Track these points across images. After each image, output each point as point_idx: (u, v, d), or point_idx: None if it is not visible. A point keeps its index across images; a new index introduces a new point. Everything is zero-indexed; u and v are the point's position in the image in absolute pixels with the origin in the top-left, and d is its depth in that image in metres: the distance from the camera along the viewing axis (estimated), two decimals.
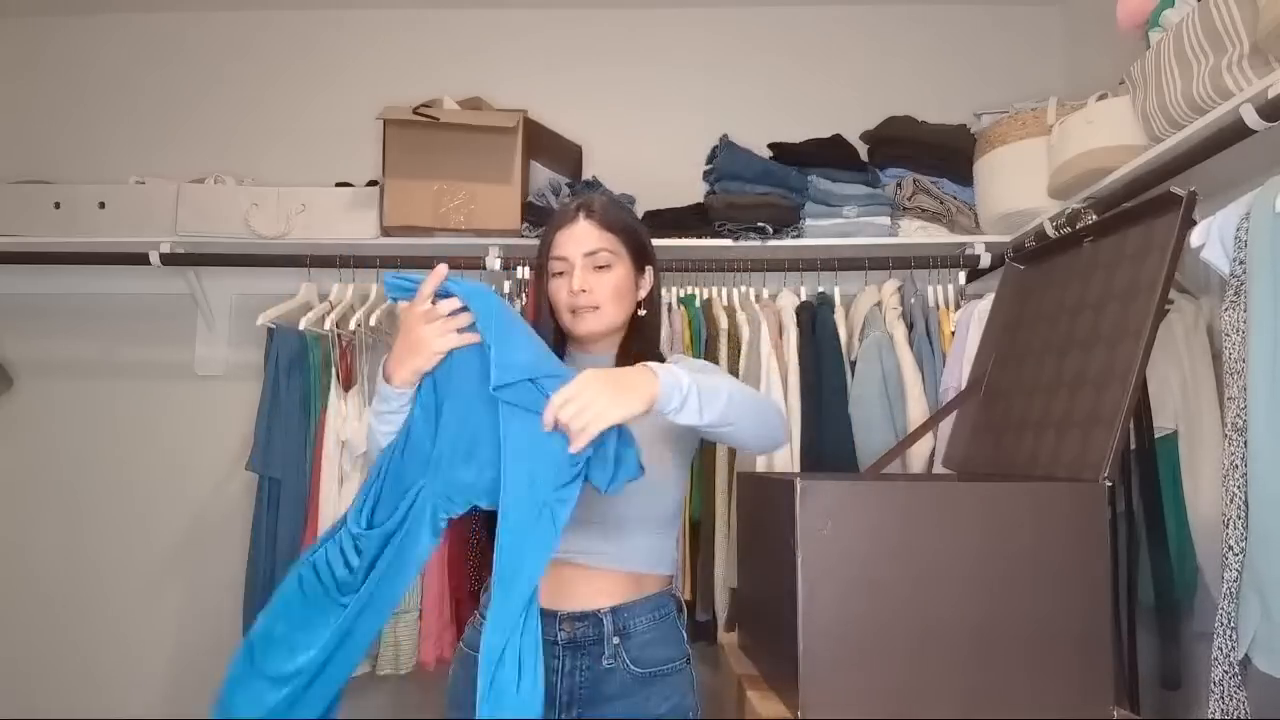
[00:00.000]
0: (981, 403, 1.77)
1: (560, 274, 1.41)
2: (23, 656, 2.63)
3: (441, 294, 1.18)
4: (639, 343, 1.45)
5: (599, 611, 1.33)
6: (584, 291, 1.38)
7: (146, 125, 2.78)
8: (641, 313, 1.47)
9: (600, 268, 1.39)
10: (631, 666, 1.32)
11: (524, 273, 2.39)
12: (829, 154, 2.46)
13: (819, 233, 2.38)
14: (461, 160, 2.33)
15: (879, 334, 2.24)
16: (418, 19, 2.81)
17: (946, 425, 1.90)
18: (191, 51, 2.82)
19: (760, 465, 2.19)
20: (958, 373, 2.02)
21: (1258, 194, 1.27)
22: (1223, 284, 1.31)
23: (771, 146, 2.49)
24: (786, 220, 2.39)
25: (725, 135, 2.43)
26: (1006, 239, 2.30)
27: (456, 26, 2.80)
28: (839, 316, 2.33)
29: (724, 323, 2.34)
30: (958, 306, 2.31)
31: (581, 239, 1.39)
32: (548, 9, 2.79)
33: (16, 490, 2.69)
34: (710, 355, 2.31)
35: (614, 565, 1.34)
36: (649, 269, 1.48)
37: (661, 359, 1.34)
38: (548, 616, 1.29)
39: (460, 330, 1.18)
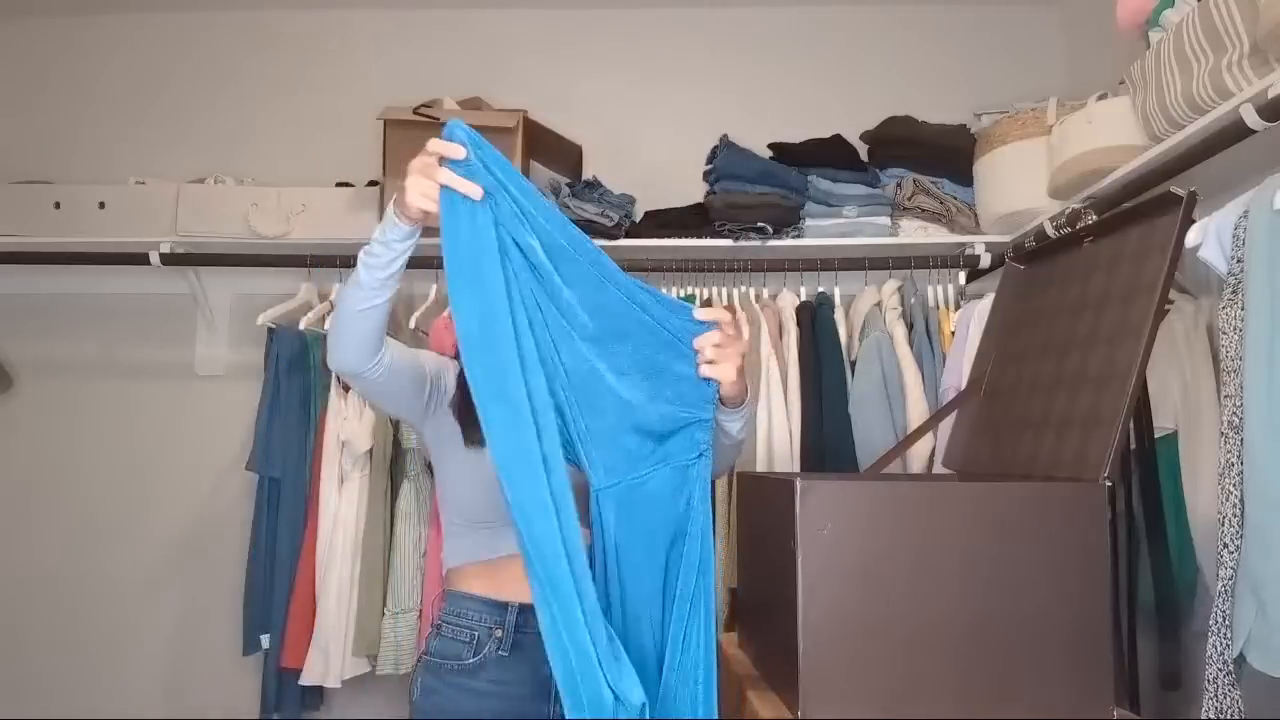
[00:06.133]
0: (981, 403, 1.77)
1: None
2: (23, 656, 2.63)
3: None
4: None
5: None
6: None
7: (147, 125, 2.78)
8: None
9: None
10: None
11: None
12: (829, 154, 2.46)
13: (819, 233, 2.38)
14: None
15: (879, 334, 2.24)
16: (418, 19, 2.81)
17: (946, 425, 1.89)
18: (192, 52, 2.82)
19: (760, 465, 2.19)
20: (958, 373, 2.02)
21: (1255, 193, 1.27)
22: (1222, 283, 1.31)
23: (771, 146, 2.49)
24: (786, 220, 2.39)
25: (725, 135, 2.43)
26: (1006, 239, 2.30)
27: (456, 26, 2.80)
28: (839, 316, 2.34)
29: None
30: (958, 306, 2.31)
31: None
32: (548, 9, 2.79)
33: (16, 490, 2.69)
34: None
35: None
36: None
37: None
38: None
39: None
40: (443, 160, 1.14)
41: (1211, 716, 1.21)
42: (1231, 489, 1.23)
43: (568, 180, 2.54)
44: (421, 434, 1.50)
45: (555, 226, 1.19)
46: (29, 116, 2.80)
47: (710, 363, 1.24)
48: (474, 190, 1.14)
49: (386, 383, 1.32)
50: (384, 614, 2.20)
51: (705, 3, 2.77)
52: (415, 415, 1.43)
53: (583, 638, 1.06)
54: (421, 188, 1.15)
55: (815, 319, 2.32)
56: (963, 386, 1.91)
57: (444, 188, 1.13)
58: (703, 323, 1.25)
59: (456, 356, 1.58)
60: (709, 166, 2.46)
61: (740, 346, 1.27)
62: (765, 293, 2.45)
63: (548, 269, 1.18)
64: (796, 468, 2.20)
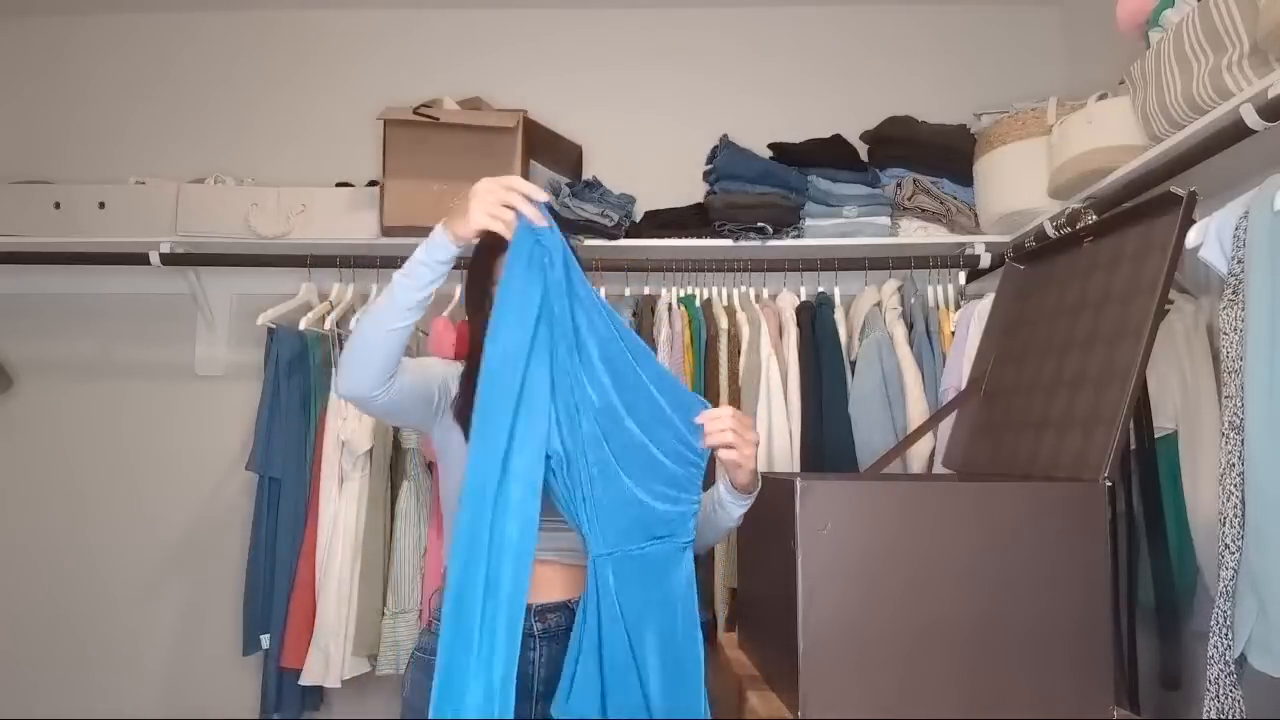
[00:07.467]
0: (981, 403, 1.77)
1: None
2: (23, 656, 2.63)
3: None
4: None
5: (570, 602, 1.36)
6: None
7: (147, 125, 2.78)
8: None
9: None
10: None
11: None
12: (829, 154, 2.46)
13: (819, 233, 2.38)
14: (461, 160, 2.33)
15: (879, 334, 2.24)
16: (418, 19, 2.81)
17: (946, 425, 1.90)
18: (192, 52, 2.82)
19: (760, 465, 2.18)
20: (958, 373, 2.02)
21: (1256, 193, 1.27)
22: (1222, 284, 1.31)
23: (771, 146, 2.49)
24: (786, 220, 2.39)
25: (725, 135, 2.44)
26: (1006, 239, 2.30)
27: (456, 26, 2.80)
28: (839, 316, 2.34)
29: (724, 323, 2.34)
30: (958, 306, 2.32)
31: None
32: (548, 9, 2.79)
33: (16, 490, 2.69)
34: (710, 355, 2.31)
35: (582, 560, 1.35)
36: None
37: None
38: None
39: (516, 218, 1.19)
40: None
41: (1213, 717, 1.21)
42: (1233, 490, 1.23)
43: (568, 180, 2.54)
44: (430, 436, 1.50)
45: (598, 311, 1.24)
46: (29, 116, 2.80)
47: (729, 446, 1.25)
48: (539, 218, 1.19)
49: (391, 406, 1.32)
50: (384, 614, 2.20)
51: (705, 3, 2.77)
52: (425, 424, 1.44)
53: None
54: (489, 207, 1.18)
55: (815, 319, 2.32)
56: (963, 386, 1.91)
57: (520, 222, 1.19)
58: (703, 414, 1.27)
59: (458, 358, 1.59)
60: (709, 166, 2.46)
61: (754, 438, 1.29)
62: (765, 293, 2.45)
63: (585, 340, 1.22)
64: (796, 468, 2.20)
